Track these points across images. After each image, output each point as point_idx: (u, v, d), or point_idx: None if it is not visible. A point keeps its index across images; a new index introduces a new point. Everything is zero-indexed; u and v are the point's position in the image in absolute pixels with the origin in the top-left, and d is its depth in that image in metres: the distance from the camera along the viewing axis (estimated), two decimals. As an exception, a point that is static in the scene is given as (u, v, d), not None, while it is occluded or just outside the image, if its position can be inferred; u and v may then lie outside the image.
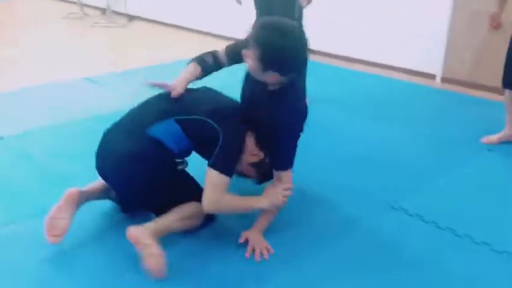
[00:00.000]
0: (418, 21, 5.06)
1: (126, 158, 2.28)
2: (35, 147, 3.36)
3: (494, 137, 3.52)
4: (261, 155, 2.38)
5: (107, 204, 2.61)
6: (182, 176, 2.43)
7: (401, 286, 2.13)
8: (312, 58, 4.06)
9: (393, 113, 4.12)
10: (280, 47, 2.12)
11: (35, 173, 3.01)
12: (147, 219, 2.30)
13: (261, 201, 2.35)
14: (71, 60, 5.65)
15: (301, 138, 2.46)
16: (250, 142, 2.36)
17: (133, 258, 2.20)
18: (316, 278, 2.17)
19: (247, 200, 2.37)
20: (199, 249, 2.34)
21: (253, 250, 2.31)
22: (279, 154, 2.40)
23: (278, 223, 2.46)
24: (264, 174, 2.46)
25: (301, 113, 2.44)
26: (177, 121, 2.31)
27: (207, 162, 2.34)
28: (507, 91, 3.42)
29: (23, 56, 5.80)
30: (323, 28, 5.50)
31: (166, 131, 2.31)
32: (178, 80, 2.45)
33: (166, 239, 2.32)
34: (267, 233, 2.40)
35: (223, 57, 2.53)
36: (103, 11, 8.14)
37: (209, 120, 2.27)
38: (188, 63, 2.54)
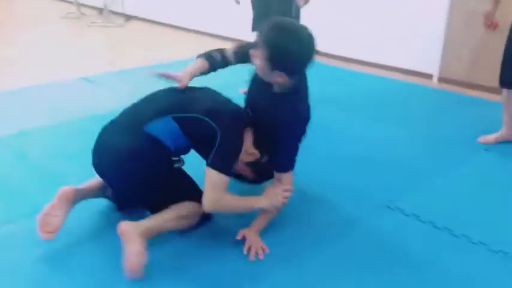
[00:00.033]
0: (415, 21, 5.06)
1: (123, 155, 2.28)
2: (32, 147, 3.36)
3: (491, 137, 3.52)
4: (257, 154, 2.38)
5: (103, 203, 2.61)
6: (179, 175, 2.43)
7: (399, 286, 2.13)
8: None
9: (390, 113, 4.12)
10: (288, 48, 2.17)
11: (32, 173, 3.00)
12: (143, 218, 2.30)
13: (260, 201, 2.36)
14: (68, 60, 5.65)
15: (300, 138, 2.46)
16: (247, 141, 2.36)
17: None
18: (313, 278, 2.17)
19: (247, 200, 2.37)
20: (196, 248, 2.34)
21: (250, 249, 2.31)
22: (281, 156, 2.42)
23: (277, 222, 2.47)
24: (259, 173, 2.46)
25: (305, 116, 2.44)
26: (175, 119, 2.31)
27: (205, 161, 2.35)
28: (504, 90, 3.42)
29: (20, 55, 5.80)
30: (320, 28, 5.48)
31: (163, 128, 2.31)
32: (184, 72, 2.46)
33: (162, 238, 2.34)
34: (266, 232, 2.40)
35: (230, 56, 2.55)
36: (100, 10, 8.14)
37: (207, 119, 2.27)
38: (196, 58, 2.55)
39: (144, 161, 2.28)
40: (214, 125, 2.25)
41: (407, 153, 3.36)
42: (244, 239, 2.33)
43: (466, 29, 4.67)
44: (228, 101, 2.49)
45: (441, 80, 5.03)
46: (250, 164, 2.41)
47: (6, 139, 3.46)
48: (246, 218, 2.41)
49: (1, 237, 2.40)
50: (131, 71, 5.21)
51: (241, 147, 2.33)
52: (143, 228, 2.19)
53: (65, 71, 5.12)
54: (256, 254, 2.28)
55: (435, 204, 2.74)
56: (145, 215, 2.36)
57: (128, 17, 7.99)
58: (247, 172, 2.45)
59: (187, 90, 2.49)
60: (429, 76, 5.11)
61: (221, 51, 2.57)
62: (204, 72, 2.54)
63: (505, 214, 2.67)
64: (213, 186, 2.23)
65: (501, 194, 2.87)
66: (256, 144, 2.39)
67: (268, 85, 2.37)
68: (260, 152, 2.39)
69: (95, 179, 2.50)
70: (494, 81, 3.54)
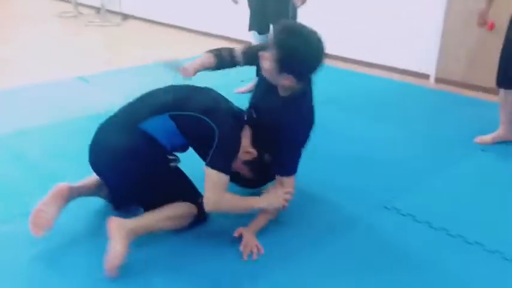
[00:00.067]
0: (412, 21, 5.06)
1: (118, 153, 2.28)
2: (29, 146, 3.35)
3: (487, 137, 3.52)
4: (255, 153, 2.38)
5: (100, 202, 2.61)
6: (175, 174, 2.42)
7: (395, 285, 2.13)
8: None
9: (388, 113, 4.12)
10: (299, 51, 2.18)
11: (28, 172, 3.00)
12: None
13: (261, 202, 2.37)
14: (65, 59, 5.64)
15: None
16: (244, 140, 2.36)
17: (126, 256, 2.20)
18: (311, 277, 2.17)
19: (248, 200, 2.38)
20: (193, 247, 2.34)
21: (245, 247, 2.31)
22: (284, 160, 2.43)
23: (276, 222, 2.47)
24: (257, 172, 2.45)
25: (309, 121, 2.45)
26: (171, 117, 2.31)
27: (202, 160, 2.36)
28: (501, 90, 3.43)
29: (17, 54, 5.79)
30: (317, 28, 5.49)
31: (159, 126, 2.31)
32: (190, 64, 2.46)
33: (158, 237, 2.35)
34: (265, 231, 2.41)
35: (239, 56, 2.56)
36: (97, 9, 8.13)
37: (204, 118, 2.27)
38: (204, 53, 2.56)
39: (139, 159, 2.28)
40: (212, 123, 2.25)
41: (404, 153, 3.36)
42: (241, 238, 2.32)
43: (463, 30, 4.67)
44: (225, 100, 2.50)
45: (438, 80, 5.03)
46: (248, 163, 2.40)
47: (3, 139, 3.45)
48: (243, 218, 2.40)
49: (-3, 237, 2.40)
50: (128, 70, 5.21)
51: (240, 146, 2.33)
52: (132, 226, 2.20)
53: (62, 70, 5.11)
54: (251, 253, 2.28)
55: (431, 204, 2.74)
56: (141, 214, 2.36)
57: (125, 16, 7.98)
58: (245, 171, 2.44)
59: (185, 88, 2.50)
60: (426, 76, 5.11)
61: (230, 50, 2.58)
62: (209, 68, 2.54)
63: (501, 214, 2.67)
64: (213, 186, 2.23)
65: (498, 194, 2.88)
66: (259, 145, 2.38)
67: (275, 88, 2.38)
68: (260, 152, 2.39)
69: (91, 177, 2.50)
70: (491, 82, 3.54)
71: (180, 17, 7.32)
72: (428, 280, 2.17)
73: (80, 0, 8.41)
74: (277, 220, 2.46)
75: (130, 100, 2.49)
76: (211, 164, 2.22)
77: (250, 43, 4.47)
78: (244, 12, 4.36)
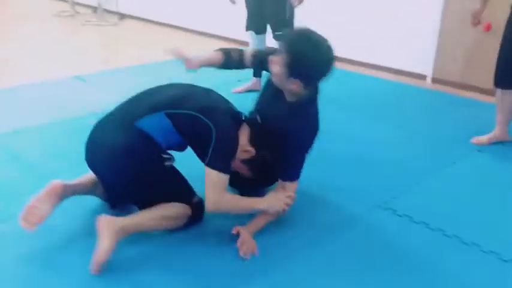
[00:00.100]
0: (409, 21, 5.07)
1: (114, 150, 2.28)
2: (25, 146, 3.35)
3: (484, 138, 3.53)
4: (253, 151, 2.37)
5: (96, 202, 2.60)
6: (170, 173, 2.42)
7: (391, 285, 2.13)
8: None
9: (384, 113, 4.13)
10: (308, 57, 2.20)
11: (24, 171, 2.99)
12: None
13: (261, 203, 2.38)
14: (61, 58, 5.63)
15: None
16: (242, 139, 2.36)
17: (122, 256, 2.21)
18: (308, 277, 2.17)
19: (248, 200, 2.38)
20: (188, 247, 2.33)
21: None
22: (288, 165, 2.44)
23: (274, 222, 2.47)
24: (256, 171, 2.45)
25: (315, 128, 2.46)
26: (168, 115, 2.31)
27: (200, 159, 2.38)
28: (499, 90, 3.43)
29: (13, 53, 5.78)
30: (314, 28, 5.50)
31: (155, 124, 2.31)
32: (197, 57, 2.47)
33: (154, 235, 2.36)
34: (262, 231, 2.41)
35: (248, 58, 2.58)
36: (94, 9, 8.12)
37: (201, 116, 2.27)
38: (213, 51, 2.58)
39: (135, 157, 2.28)
40: (208, 122, 2.25)
41: (401, 154, 3.36)
42: (238, 236, 2.32)
43: (460, 30, 4.68)
44: (224, 101, 2.50)
45: (435, 80, 5.04)
46: (247, 162, 2.40)
47: (0, 138, 3.44)
48: (240, 218, 2.40)
49: (-6, 236, 2.39)
50: (125, 69, 5.20)
51: (238, 145, 2.33)
52: (122, 224, 2.20)
53: (59, 70, 5.10)
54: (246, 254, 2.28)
55: (428, 205, 2.74)
56: (134, 212, 2.36)
57: (122, 16, 7.98)
58: (244, 170, 2.44)
59: (183, 87, 2.50)
60: (423, 77, 5.12)
61: (240, 51, 2.60)
62: (215, 65, 2.56)
63: (497, 215, 2.67)
64: (214, 186, 2.23)
65: (494, 195, 2.88)
66: (263, 150, 2.39)
67: (282, 94, 2.39)
68: (260, 151, 2.39)
69: (87, 175, 2.51)
70: (488, 83, 3.55)
71: (177, 17, 7.32)
72: (425, 280, 2.16)
73: (77, 0, 8.40)
74: (275, 220, 2.46)
75: (127, 98, 2.49)
76: (211, 164, 2.23)
77: (247, 43, 4.49)
78: (241, 12, 4.36)
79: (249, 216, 2.42)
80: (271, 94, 2.49)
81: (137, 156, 2.29)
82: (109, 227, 2.15)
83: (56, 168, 3.00)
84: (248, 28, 4.31)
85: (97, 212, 2.52)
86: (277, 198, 2.39)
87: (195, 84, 2.57)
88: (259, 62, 2.55)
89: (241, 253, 2.25)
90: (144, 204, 2.34)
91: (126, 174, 2.30)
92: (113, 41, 6.77)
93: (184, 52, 2.45)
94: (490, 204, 2.78)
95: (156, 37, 6.95)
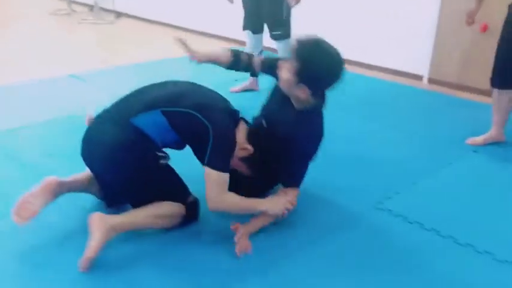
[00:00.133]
0: (405, 21, 5.07)
1: (109, 147, 2.28)
2: (20, 145, 3.34)
3: (479, 138, 3.53)
4: (251, 149, 2.37)
5: (92, 201, 2.60)
6: (165, 171, 2.41)
7: (384, 285, 2.14)
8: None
9: (380, 113, 4.13)
10: (319, 65, 2.23)
11: (21, 170, 2.98)
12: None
13: (262, 204, 2.38)
14: (58, 57, 5.62)
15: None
16: (240, 137, 2.36)
17: (117, 253, 2.22)
18: (302, 277, 2.17)
19: (249, 201, 2.38)
20: (184, 245, 2.33)
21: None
22: (291, 172, 2.47)
23: (272, 222, 2.47)
24: (254, 169, 2.45)
25: (319, 137, 2.48)
26: (163, 113, 2.30)
27: (197, 158, 2.40)
28: (495, 91, 3.43)
29: (9, 52, 5.76)
30: (310, 28, 5.50)
31: (150, 122, 2.30)
32: (203, 51, 2.53)
33: (149, 234, 2.36)
34: (259, 231, 2.40)
35: (257, 62, 2.61)
36: (91, 7, 8.11)
37: (197, 115, 2.27)
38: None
39: (130, 154, 2.28)
40: (205, 121, 2.25)
41: (397, 154, 3.37)
42: (233, 234, 2.32)
43: (456, 31, 4.68)
44: (218, 97, 2.49)
45: (431, 81, 5.05)
46: (245, 160, 2.40)
47: (-5, 136, 3.44)
48: (237, 218, 2.39)
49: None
50: (122, 68, 5.19)
51: (235, 144, 2.33)
52: (115, 222, 2.20)
53: (55, 68, 5.08)
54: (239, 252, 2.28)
55: (423, 205, 2.75)
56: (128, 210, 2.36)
57: (118, 14, 7.97)
58: (242, 168, 2.44)
59: (180, 84, 2.50)
60: (419, 77, 5.13)
61: (249, 55, 2.64)
62: (221, 63, 2.60)
63: (492, 215, 2.68)
64: (214, 185, 2.24)
65: (489, 196, 2.88)
66: (267, 155, 2.40)
67: (290, 101, 2.41)
68: (259, 151, 2.38)
69: (83, 172, 2.51)
70: (484, 83, 3.55)
71: (174, 16, 7.31)
72: (419, 281, 2.17)
73: (74, -2, 8.41)
74: (274, 222, 2.47)
75: (125, 94, 2.48)
76: (210, 164, 2.23)
77: (245, 43, 4.49)
78: (239, 12, 4.36)
79: (247, 218, 2.41)
80: (278, 100, 2.50)
81: (132, 154, 2.28)
82: (100, 224, 2.15)
83: (53, 166, 2.99)
84: (245, 28, 4.31)
85: (93, 211, 2.52)
86: (277, 202, 2.40)
87: (193, 82, 2.56)
88: (268, 68, 2.58)
89: (237, 250, 2.26)
90: (138, 202, 2.34)
91: (120, 171, 2.29)
92: (110, 39, 6.76)
93: (189, 43, 2.52)
94: (485, 204, 2.79)
95: (152, 36, 6.94)
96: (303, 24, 4.75)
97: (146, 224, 2.32)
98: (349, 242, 2.42)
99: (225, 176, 2.25)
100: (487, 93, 3.87)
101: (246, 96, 4.35)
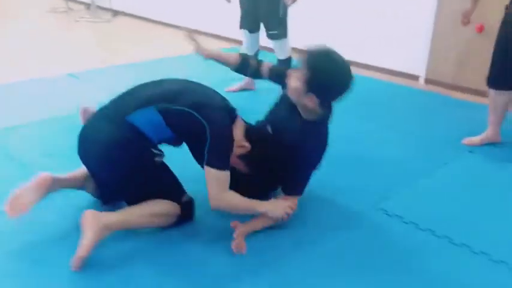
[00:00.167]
0: (402, 22, 5.07)
1: (105, 144, 2.28)
2: (16, 143, 3.33)
3: (476, 139, 3.53)
4: (248, 146, 2.38)
5: (87, 199, 2.60)
6: (160, 169, 2.41)
7: (378, 285, 2.14)
8: (295, 57, 4.05)
9: (376, 113, 4.13)
10: (329, 75, 2.25)
11: (14, 169, 2.98)
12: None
13: (262, 206, 2.39)
14: (55, 56, 5.61)
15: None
16: (237, 134, 2.37)
17: (112, 251, 2.22)
18: (297, 277, 2.17)
19: (250, 201, 2.39)
20: (179, 244, 2.33)
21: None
22: (294, 180, 2.49)
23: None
24: (253, 166, 2.45)
25: (324, 148, 2.50)
26: (159, 110, 2.30)
27: (192, 155, 2.44)
28: (492, 91, 3.43)
29: (6, 50, 5.75)
30: (306, 26, 5.50)
31: (146, 119, 2.30)
32: (209, 48, 2.62)
33: (145, 232, 2.37)
34: (255, 232, 2.41)
35: (265, 69, 2.64)
36: (87, 5, 8.09)
37: (194, 113, 2.27)
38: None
39: (125, 151, 2.28)
40: (202, 120, 2.25)
41: (393, 154, 3.37)
42: (230, 235, 2.32)
43: (453, 31, 4.69)
44: (215, 95, 2.49)
45: (428, 81, 5.05)
46: (243, 157, 2.40)
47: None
48: (232, 218, 2.40)
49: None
50: (119, 67, 5.18)
51: (233, 142, 2.33)
52: (108, 220, 2.20)
53: (52, 67, 5.08)
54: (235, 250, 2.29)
55: (419, 206, 2.75)
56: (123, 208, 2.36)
57: (115, 13, 7.95)
58: (241, 166, 2.44)
59: (177, 82, 2.50)
60: (416, 77, 5.13)
61: (258, 61, 2.68)
62: (229, 64, 2.66)
63: (487, 216, 2.68)
64: (214, 183, 2.26)
65: (484, 196, 2.89)
66: (271, 161, 2.42)
67: (297, 110, 2.42)
68: (258, 150, 2.39)
69: (79, 170, 2.51)
70: (480, 84, 3.55)
71: (170, 15, 7.30)
72: (415, 281, 2.17)
73: (71, -4, 8.39)
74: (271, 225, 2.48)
75: (122, 91, 2.48)
76: (210, 164, 2.24)
77: (241, 42, 4.48)
78: (235, 11, 4.36)
79: (247, 218, 2.42)
80: (285, 109, 2.51)
81: (128, 151, 2.28)
82: (93, 222, 2.15)
83: (47, 165, 2.97)
84: (242, 26, 4.31)
85: (89, 209, 2.53)
86: (278, 205, 2.41)
87: (190, 80, 2.56)
88: (276, 75, 2.61)
89: (232, 246, 2.27)
90: (134, 200, 2.34)
91: (116, 169, 2.29)
92: (107, 38, 6.75)
93: (197, 39, 2.62)
94: (481, 205, 2.79)
95: (149, 34, 6.94)
96: (300, 24, 4.76)
97: (141, 222, 2.32)
98: (345, 242, 2.42)
99: (225, 174, 2.26)
100: (483, 94, 3.88)
101: (242, 95, 4.35)
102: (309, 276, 2.18)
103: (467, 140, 3.54)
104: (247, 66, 2.66)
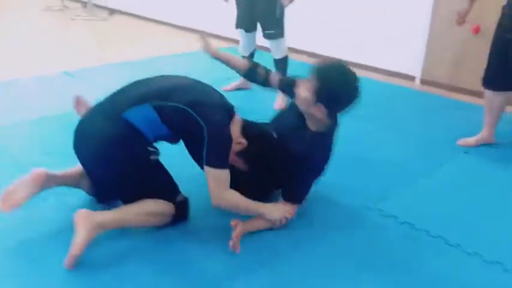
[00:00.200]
0: (398, 22, 5.08)
1: (100, 140, 2.28)
2: (12, 142, 3.32)
3: (471, 140, 3.54)
4: (245, 143, 2.38)
5: (84, 197, 2.60)
6: (155, 167, 2.40)
7: (372, 285, 2.15)
8: (291, 56, 4.08)
9: (372, 114, 4.12)
10: (339, 87, 2.31)
11: (10, 168, 2.96)
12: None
13: (262, 207, 2.42)
14: (51, 54, 5.59)
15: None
16: (234, 130, 2.37)
17: (109, 250, 2.23)
18: (291, 277, 2.17)
19: (250, 201, 2.40)
20: (175, 243, 2.34)
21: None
22: (296, 189, 2.51)
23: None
24: (251, 164, 2.45)
25: (328, 159, 2.53)
26: (154, 107, 2.29)
27: (189, 153, 2.46)
28: (488, 92, 3.44)
29: (2, 48, 5.72)
30: (303, 26, 5.50)
31: (142, 116, 2.29)
32: (218, 49, 2.69)
33: (141, 231, 2.37)
34: (250, 233, 2.41)
35: (275, 79, 2.70)
36: (84, 4, 8.08)
37: (189, 110, 2.26)
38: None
39: (120, 148, 2.27)
40: (198, 118, 2.25)
41: (388, 154, 3.38)
42: (227, 235, 2.31)
43: (449, 32, 4.70)
44: (212, 92, 2.48)
45: (423, 82, 5.06)
46: (241, 154, 2.40)
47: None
48: (227, 217, 2.39)
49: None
50: (116, 65, 5.17)
51: (231, 140, 2.33)
52: (101, 219, 2.20)
53: (48, 65, 5.06)
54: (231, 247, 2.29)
55: (414, 206, 2.76)
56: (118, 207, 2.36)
57: (112, 11, 7.94)
58: (239, 163, 2.44)
59: (173, 78, 2.50)
60: (412, 78, 5.14)
61: (267, 71, 2.73)
62: (237, 69, 2.74)
63: (481, 216, 2.69)
64: (214, 183, 2.27)
65: (479, 197, 2.89)
66: (273, 166, 2.44)
67: (305, 120, 2.46)
68: (256, 146, 2.40)
69: (74, 168, 2.51)
70: (476, 85, 3.55)
71: (167, 13, 7.29)
72: (407, 281, 2.18)
73: (67, -6, 8.37)
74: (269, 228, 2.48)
75: (119, 87, 2.48)
76: (209, 164, 2.25)
77: (237, 41, 4.48)
78: (232, 10, 4.35)
79: (245, 218, 2.42)
80: (293, 117, 2.53)
81: (123, 148, 2.28)
82: (85, 221, 2.15)
83: (42, 164, 2.95)
84: (238, 26, 4.31)
85: (87, 208, 2.52)
86: (278, 208, 2.44)
87: (187, 77, 2.56)
88: (286, 85, 2.65)
89: (230, 244, 2.27)
90: (128, 198, 2.34)
91: (111, 166, 2.29)
92: (104, 36, 6.73)
93: (207, 39, 2.74)
94: (476, 205, 2.80)
95: (145, 33, 6.92)
96: (296, 24, 4.75)
97: (135, 221, 2.31)
98: (342, 242, 2.43)
99: (225, 173, 2.27)
100: (479, 95, 3.88)
101: (238, 94, 4.34)
102: (304, 276, 2.19)
103: (462, 141, 3.55)
104: (255, 74, 2.72)
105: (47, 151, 3.17)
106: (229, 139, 2.32)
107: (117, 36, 6.71)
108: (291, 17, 4.27)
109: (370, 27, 5.29)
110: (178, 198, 2.40)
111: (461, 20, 3.67)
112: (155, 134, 2.36)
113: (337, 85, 2.31)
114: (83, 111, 2.63)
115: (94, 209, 2.29)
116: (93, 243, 2.18)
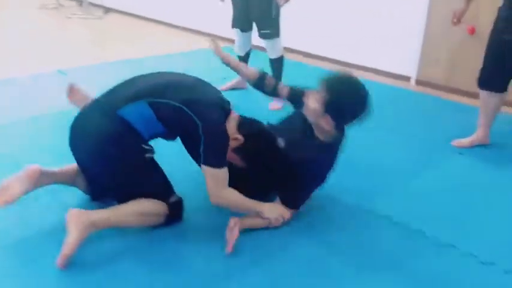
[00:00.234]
0: (393, 22, 5.08)
1: (95, 137, 2.27)
2: (6, 141, 3.31)
3: (466, 141, 3.55)
4: (241, 139, 2.37)
5: (81, 195, 2.59)
6: (150, 166, 2.39)
7: (367, 285, 2.15)
8: (287, 56, 4.07)
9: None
10: (348, 99, 2.35)
11: (6, 167, 2.95)
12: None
13: (259, 206, 2.42)
14: (46, 52, 5.57)
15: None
16: (230, 127, 2.36)
17: (104, 249, 2.22)
18: (285, 277, 2.17)
19: (248, 200, 2.40)
20: (169, 243, 2.33)
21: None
22: (296, 195, 2.53)
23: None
24: (248, 161, 2.44)
25: (331, 169, 2.55)
26: (149, 104, 2.28)
27: (186, 150, 2.46)
28: (484, 92, 3.44)
29: (-3, 46, 5.71)
30: (299, 27, 5.50)
31: (137, 113, 2.27)
32: (227, 53, 2.76)
33: (137, 230, 2.36)
34: (248, 231, 2.40)
35: (284, 90, 2.72)
36: (79, 2, 8.05)
37: (184, 107, 2.25)
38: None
39: (116, 146, 2.26)
40: (194, 117, 2.24)
41: (383, 155, 3.38)
42: (222, 235, 2.31)
43: (444, 33, 4.71)
44: (208, 89, 2.48)
45: (419, 82, 5.07)
46: (238, 151, 2.39)
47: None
48: (224, 217, 2.38)
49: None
50: (111, 64, 5.15)
51: (228, 138, 2.32)
52: (93, 219, 2.19)
53: (42, 63, 5.04)
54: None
55: (408, 206, 2.76)
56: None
57: (107, 9, 7.92)
58: (237, 161, 2.43)
59: (169, 75, 2.49)
60: (407, 78, 5.14)
61: (276, 81, 2.77)
62: (247, 78, 2.78)
63: (476, 217, 2.70)
64: (213, 181, 2.28)
65: (473, 197, 2.90)
66: (264, 153, 2.43)
67: (312, 130, 2.48)
68: (253, 142, 2.40)
69: (70, 166, 2.50)
70: (471, 86, 3.56)
71: (163, 12, 7.28)
72: (402, 281, 2.18)
73: (62, -8, 8.34)
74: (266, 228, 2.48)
75: (116, 83, 2.47)
76: (206, 163, 2.25)
77: (233, 41, 4.48)
78: (228, 9, 4.35)
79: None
80: (301, 125, 2.55)
81: (118, 146, 2.27)
82: (78, 220, 2.14)
83: (37, 162, 2.96)
84: (234, 26, 4.30)
85: (82, 206, 2.52)
86: (275, 208, 2.45)
87: (184, 74, 2.55)
88: (295, 96, 2.66)
89: (227, 238, 2.28)
90: (122, 196, 2.33)
91: (106, 163, 2.28)
92: (99, 35, 6.72)
93: (218, 45, 2.78)
94: (469, 206, 2.81)
95: (141, 32, 6.91)
96: (292, 24, 4.76)
97: (128, 221, 2.30)
98: (337, 242, 2.43)
99: (223, 172, 2.28)
100: (474, 96, 3.89)
101: (234, 94, 4.34)
102: (299, 275, 2.19)
103: (456, 142, 3.56)
104: (263, 83, 2.74)
105: (41, 149, 3.15)
106: (226, 137, 2.31)
107: (112, 35, 6.70)
108: (286, 16, 4.27)
109: (365, 28, 5.29)
110: (173, 199, 2.39)
111: (456, 20, 3.67)
112: (151, 132, 2.34)
113: (346, 98, 2.34)
114: (76, 99, 2.61)
115: (89, 207, 2.28)
116: (87, 242, 2.17)
